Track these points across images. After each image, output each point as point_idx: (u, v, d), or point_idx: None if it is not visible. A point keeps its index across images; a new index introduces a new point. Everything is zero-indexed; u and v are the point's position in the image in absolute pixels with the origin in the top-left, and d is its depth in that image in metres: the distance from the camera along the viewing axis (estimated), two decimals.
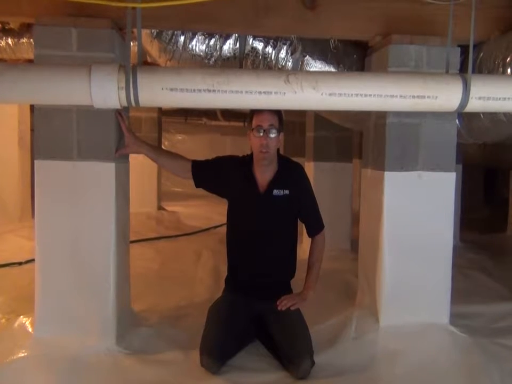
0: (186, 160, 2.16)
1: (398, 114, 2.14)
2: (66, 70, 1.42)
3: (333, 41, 2.33)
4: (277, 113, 2.03)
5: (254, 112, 2.03)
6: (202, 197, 8.11)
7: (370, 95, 1.41)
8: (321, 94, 1.40)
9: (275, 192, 2.09)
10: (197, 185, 2.18)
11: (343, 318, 2.37)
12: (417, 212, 2.22)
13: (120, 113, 1.99)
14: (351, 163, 4.12)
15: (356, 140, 4.60)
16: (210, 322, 2.05)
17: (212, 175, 2.16)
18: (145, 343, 2.14)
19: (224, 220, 4.78)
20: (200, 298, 2.83)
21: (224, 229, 4.48)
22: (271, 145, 2.01)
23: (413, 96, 1.43)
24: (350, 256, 3.81)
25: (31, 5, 1.88)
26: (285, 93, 1.39)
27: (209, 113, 7.63)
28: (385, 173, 2.18)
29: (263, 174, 2.10)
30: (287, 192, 2.09)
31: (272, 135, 1.99)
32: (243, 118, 7.97)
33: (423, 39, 2.09)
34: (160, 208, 6.13)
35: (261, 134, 1.99)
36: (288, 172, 2.13)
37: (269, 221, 2.11)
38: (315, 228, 2.21)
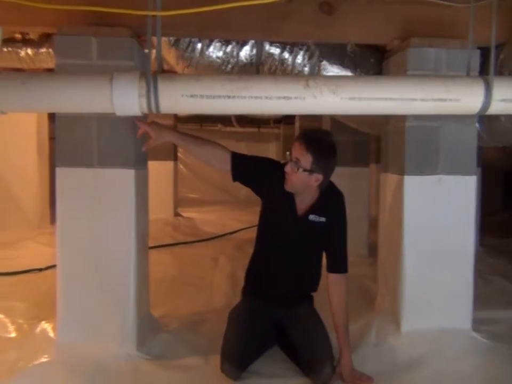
0: (225, 150, 2.00)
1: (417, 117, 2.12)
2: (88, 79, 1.44)
3: (350, 45, 2.32)
4: (314, 152, 1.85)
5: (297, 136, 1.95)
6: (217, 203, 8.17)
7: (390, 99, 1.40)
8: (341, 99, 1.40)
9: (311, 217, 2.00)
10: (235, 179, 2.03)
11: (363, 324, 2.34)
12: (437, 216, 2.19)
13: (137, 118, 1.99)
14: (368, 168, 4.10)
15: (372, 145, 4.58)
16: (231, 328, 2.04)
17: (253, 174, 2.03)
18: (165, 348, 2.15)
19: (239, 226, 4.77)
20: (218, 304, 2.83)
21: (240, 235, 4.52)
22: (290, 178, 1.91)
23: (434, 99, 1.42)
24: (367, 262, 3.78)
25: (52, 14, 1.90)
26: (304, 98, 1.39)
27: (224, 120, 7.66)
28: (405, 177, 2.16)
29: (303, 197, 2.01)
30: (323, 219, 2.00)
31: (288, 169, 1.89)
32: (258, 123, 7.99)
33: (443, 42, 2.07)
34: (176, 214, 6.16)
35: (288, 158, 1.92)
36: (329, 199, 2.03)
37: (300, 242, 2.06)
38: (337, 264, 2.04)
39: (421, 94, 1.42)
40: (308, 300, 2.20)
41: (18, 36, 3.10)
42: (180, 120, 6.55)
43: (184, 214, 6.37)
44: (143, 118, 2.08)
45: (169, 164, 6.06)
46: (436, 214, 2.19)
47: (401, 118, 2.18)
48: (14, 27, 2.20)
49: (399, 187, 2.21)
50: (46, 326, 2.17)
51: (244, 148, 8.91)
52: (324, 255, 2.10)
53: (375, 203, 5.07)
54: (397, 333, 2.21)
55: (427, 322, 2.19)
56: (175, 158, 6.26)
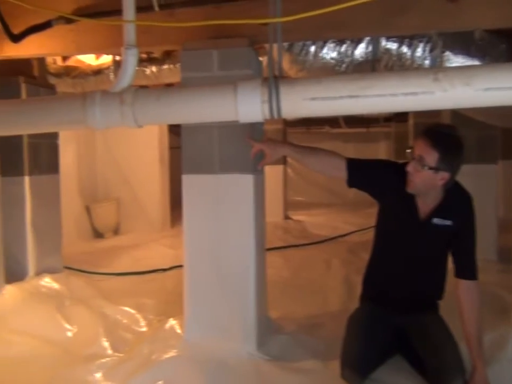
0: (339, 157, 1.97)
1: None
2: (213, 90, 1.52)
3: (477, 32, 2.14)
4: (441, 148, 1.74)
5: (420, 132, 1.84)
6: (325, 205, 8.10)
7: None
8: (476, 90, 1.29)
9: (435, 220, 1.88)
10: (351, 186, 1.98)
11: (497, 335, 2.13)
12: None
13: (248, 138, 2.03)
14: (496, 164, 3.76)
15: (501, 139, 4.17)
16: (351, 334, 1.99)
17: (370, 179, 1.98)
18: (284, 350, 2.17)
19: (350, 228, 4.63)
20: (334, 308, 2.81)
21: (352, 238, 4.42)
22: (413, 178, 1.81)
23: None
24: (497, 268, 3.44)
25: (177, 33, 2.05)
26: (433, 92, 1.31)
27: (332, 121, 7.57)
28: None
29: (425, 198, 1.89)
30: (449, 223, 1.87)
31: (411, 169, 1.80)
32: (366, 123, 7.76)
33: None
34: (286, 217, 6.24)
35: (409, 157, 1.83)
36: (455, 200, 1.89)
37: (423, 247, 1.94)
38: (466, 271, 1.89)
39: None
40: (433, 307, 2.07)
41: (144, 55, 3.40)
42: (287, 124, 6.64)
43: (294, 217, 6.43)
44: (263, 125, 2.13)
45: (279, 168, 6.18)
46: None
47: None
48: (144, 48, 2.40)
49: None
50: (173, 322, 2.33)
51: (351, 149, 8.75)
52: (451, 260, 1.95)
53: (504, 203, 4.62)
54: None
55: None
56: (284, 162, 6.36)
